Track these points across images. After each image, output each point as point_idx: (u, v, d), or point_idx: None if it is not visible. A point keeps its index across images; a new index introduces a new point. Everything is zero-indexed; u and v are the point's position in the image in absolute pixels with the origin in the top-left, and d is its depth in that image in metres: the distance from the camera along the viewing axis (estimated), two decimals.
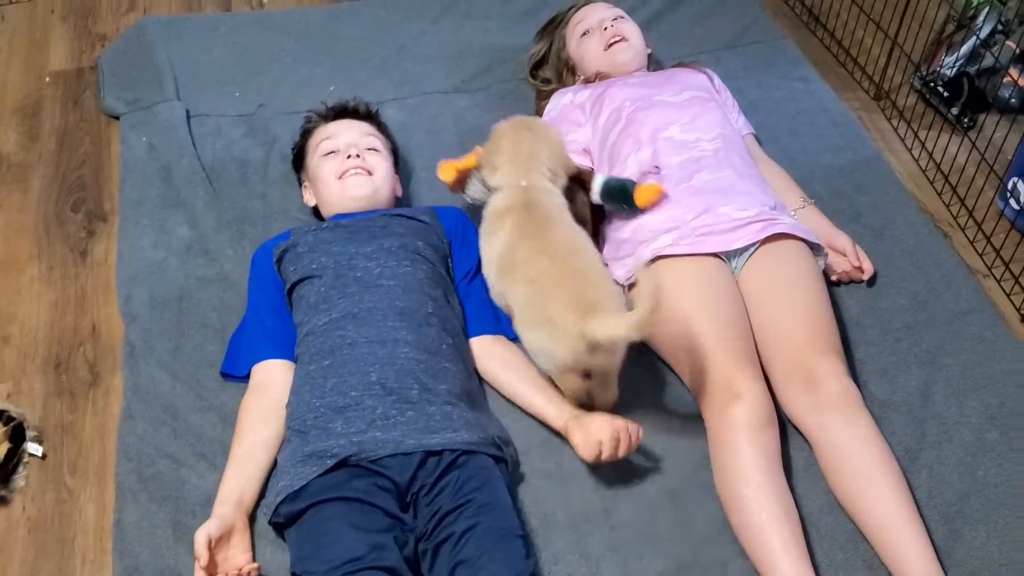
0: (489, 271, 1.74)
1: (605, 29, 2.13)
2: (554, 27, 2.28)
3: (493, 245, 1.71)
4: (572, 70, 2.21)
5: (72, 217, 2.10)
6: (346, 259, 1.72)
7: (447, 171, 1.85)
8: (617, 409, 1.68)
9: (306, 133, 2.00)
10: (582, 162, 2.02)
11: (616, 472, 1.60)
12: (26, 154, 2.26)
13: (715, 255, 1.73)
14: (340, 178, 1.86)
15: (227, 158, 2.19)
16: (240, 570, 1.44)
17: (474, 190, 1.84)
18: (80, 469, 1.66)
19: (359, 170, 1.86)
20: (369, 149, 1.91)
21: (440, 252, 1.80)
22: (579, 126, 2.06)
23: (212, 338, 1.79)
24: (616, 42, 2.10)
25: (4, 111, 2.38)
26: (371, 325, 1.62)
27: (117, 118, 2.31)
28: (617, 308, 1.53)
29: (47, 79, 2.48)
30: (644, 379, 1.74)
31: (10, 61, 2.54)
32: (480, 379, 1.73)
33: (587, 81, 2.15)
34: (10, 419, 1.65)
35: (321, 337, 1.63)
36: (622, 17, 2.18)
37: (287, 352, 1.69)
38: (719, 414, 1.55)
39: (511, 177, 1.77)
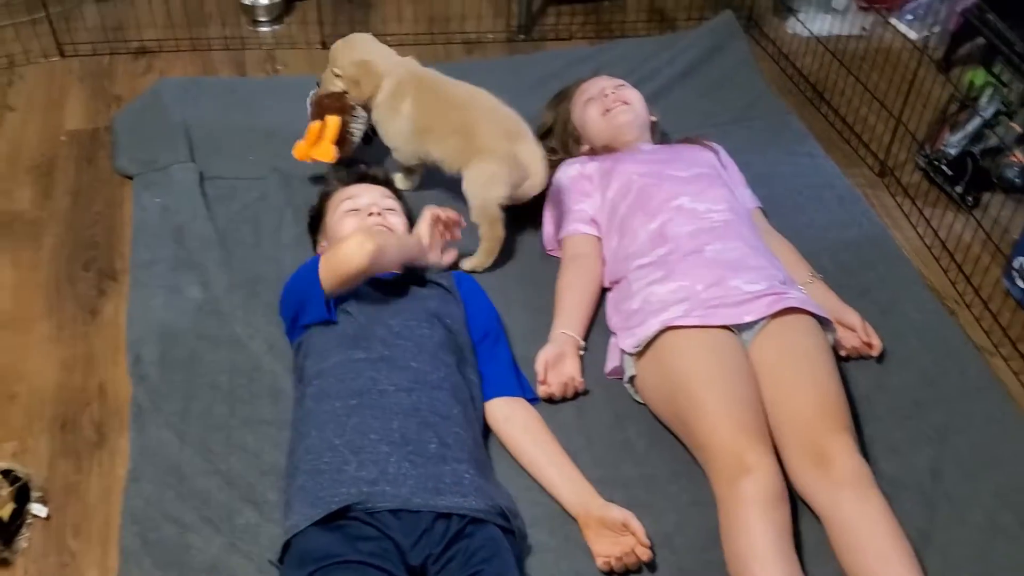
0: (406, 145, 2.16)
1: (606, 96, 2.17)
2: (561, 99, 2.33)
3: (400, 122, 2.14)
4: (577, 139, 2.25)
5: (83, 276, 2.11)
6: (369, 314, 1.73)
7: (309, 143, 2.18)
8: (626, 482, 1.68)
9: (325, 196, 2.02)
10: (590, 232, 2.04)
11: None
12: (39, 212, 2.28)
13: (725, 327, 1.73)
14: None
15: (240, 220, 2.21)
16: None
17: (358, 127, 2.22)
18: (84, 531, 1.64)
19: (380, 228, 1.89)
20: (388, 209, 1.94)
21: (457, 318, 1.81)
22: (587, 196, 2.08)
23: (221, 400, 1.79)
24: (616, 106, 2.15)
25: (20, 168, 2.40)
26: (400, 373, 1.63)
27: (131, 178, 2.34)
28: (528, 131, 2.06)
29: (63, 138, 2.51)
30: (655, 451, 1.75)
31: (27, 119, 2.57)
32: (488, 447, 1.72)
33: (593, 152, 2.19)
34: (16, 479, 1.63)
35: (352, 373, 1.63)
36: (623, 85, 2.23)
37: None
38: (729, 488, 1.54)
39: (387, 63, 2.17)
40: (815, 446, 1.58)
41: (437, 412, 1.61)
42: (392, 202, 1.99)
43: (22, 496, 1.63)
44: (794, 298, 1.77)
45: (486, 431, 1.75)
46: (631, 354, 1.78)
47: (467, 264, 2.09)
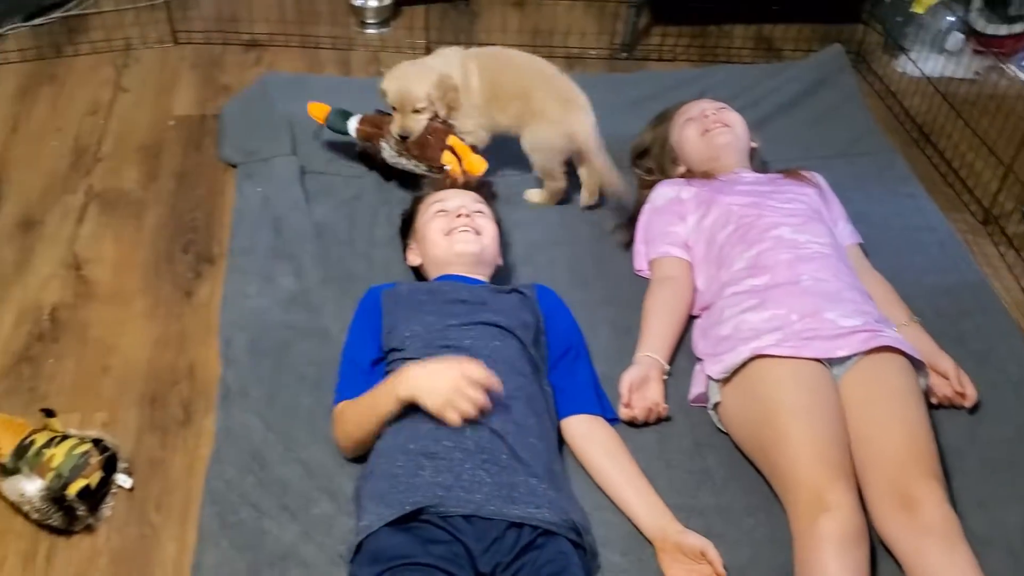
0: (480, 118, 2.23)
1: (707, 116, 2.16)
2: (661, 120, 2.31)
3: (472, 97, 2.21)
4: (674, 160, 2.23)
5: (182, 257, 2.17)
6: (439, 329, 1.73)
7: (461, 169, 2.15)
8: (702, 511, 1.66)
9: (418, 200, 2.05)
10: (682, 255, 2.02)
11: None
12: (144, 192, 2.35)
13: (817, 360, 1.70)
14: (448, 235, 1.90)
15: (337, 217, 2.24)
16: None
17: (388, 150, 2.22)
18: (165, 506, 1.68)
19: (467, 228, 1.90)
20: (477, 212, 1.96)
21: (532, 330, 1.80)
22: (682, 220, 2.07)
23: (307, 391, 1.81)
24: (715, 128, 2.13)
25: (129, 148, 2.48)
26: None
27: (234, 166, 2.39)
28: (582, 99, 2.21)
29: (171, 122, 2.58)
30: (734, 482, 1.72)
31: (139, 101, 2.65)
32: (564, 459, 1.72)
33: (690, 175, 2.17)
34: (105, 449, 1.68)
35: None
36: (725, 108, 2.21)
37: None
38: (807, 525, 1.50)
39: (448, 65, 2.21)
40: (902, 489, 1.54)
41: (512, 422, 1.61)
42: (482, 206, 2.00)
43: (109, 466, 1.68)
44: (889, 337, 1.73)
45: (561, 446, 1.74)
46: (717, 380, 1.76)
47: (533, 198, 2.29)
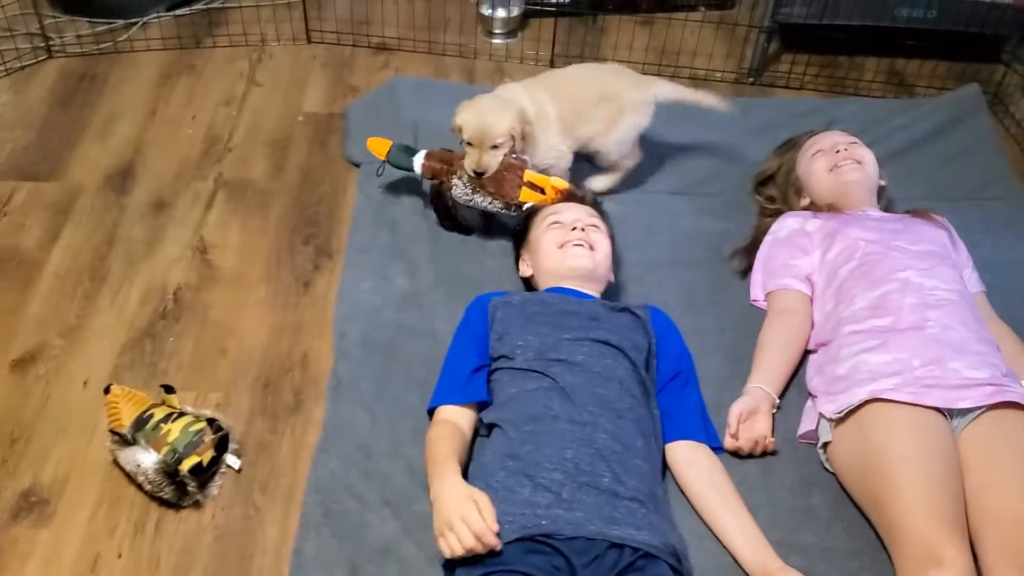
0: (562, 145, 2.19)
1: (837, 152, 2.11)
2: (788, 148, 2.28)
3: (552, 126, 2.17)
4: (798, 191, 2.19)
5: (302, 249, 2.22)
6: (552, 342, 1.74)
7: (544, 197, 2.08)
8: (804, 550, 1.62)
9: (532, 212, 2.06)
10: (803, 289, 1.98)
11: None
12: (271, 183, 2.42)
13: (937, 409, 1.65)
14: (561, 247, 1.91)
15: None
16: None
17: (459, 190, 2.12)
18: (270, 490, 1.72)
19: (581, 242, 1.90)
20: (592, 226, 1.95)
21: (643, 352, 1.79)
22: (805, 253, 2.03)
23: (414, 389, 1.83)
24: (846, 164, 2.09)
25: (258, 140, 2.56)
26: (574, 404, 1.63)
27: (357, 165, 2.44)
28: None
29: (300, 118, 2.65)
30: (838, 524, 1.68)
31: (271, 96, 2.73)
32: (665, 484, 1.70)
33: (814, 208, 2.12)
34: (219, 428, 1.73)
35: (527, 401, 1.65)
36: (857, 143, 2.16)
37: (469, 397, 1.73)
38: None
39: (521, 99, 2.14)
40: (1021, 552, 1.48)
41: (619, 441, 1.60)
42: (597, 221, 1.99)
43: (221, 446, 1.73)
44: (1017, 392, 1.66)
45: (664, 471, 1.73)
46: (830, 420, 1.72)
47: (601, 184, 2.35)
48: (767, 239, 2.09)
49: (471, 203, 2.12)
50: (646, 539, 1.49)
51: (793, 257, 2.02)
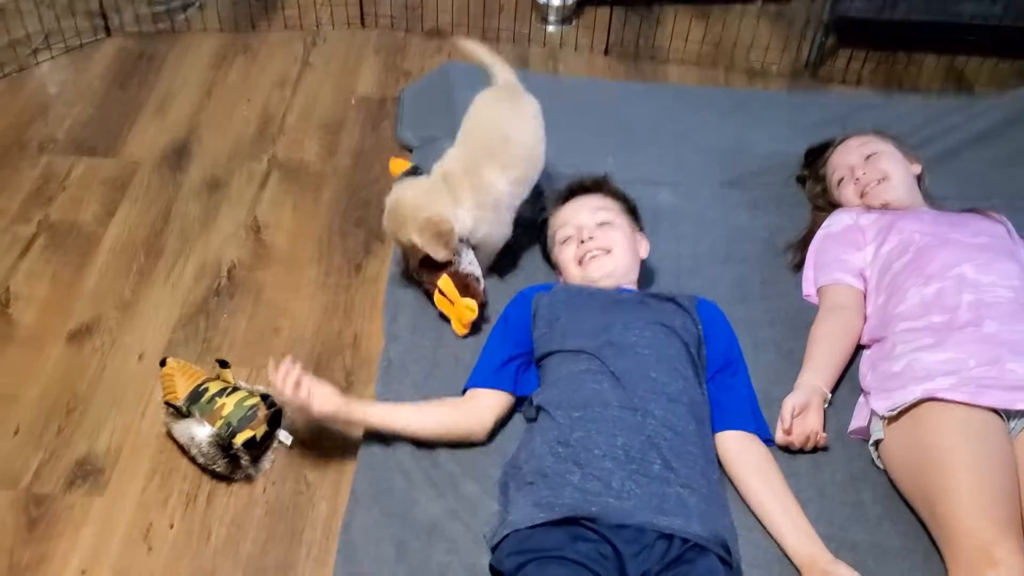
0: (516, 201, 2.00)
1: (858, 180, 2.09)
2: (815, 164, 2.27)
3: (499, 192, 1.96)
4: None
5: (354, 232, 2.24)
6: (603, 324, 1.74)
7: (454, 318, 1.93)
8: (853, 546, 1.61)
9: (544, 224, 2.04)
10: (855, 284, 1.96)
11: None
12: (323, 165, 2.44)
13: (993, 410, 1.62)
14: (580, 264, 1.89)
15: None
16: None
17: (468, 260, 1.93)
18: (320, 466, 1.74)
19: (596, 252, 1.88)
20: (601, 224, 1.92)
21: (693, 336, 1.78)
22: (858, 248, 2.01)
23: (462, 375, 1.83)
24: (872, 188, 2.06)
25: (312, 123, 2.58)
26: (625, 389, 1.62)
27: (410, 150, 2.45)
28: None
29: (353, 102, 2.66)
30: (888, 521, 1.67)
31: (324, 79, 2.75)
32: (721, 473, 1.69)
33: (868, 206, 2.10)
34: (272, 405, 1.75)
35: (575, 386, 1.65)
36: (873, 156, 2.10)
37: (498, 384, 1.76)
38: None
39: (434, 199, 1.90)
40: None
41: (671, 427, 1.59)
42: (605, 213, 1.95)
43: (274, 421, 1.75)
44: None
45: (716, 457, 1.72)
46: (882, 417, 1.70)
47: None
48: (820, 233, 2.08)
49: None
50: (696, 531, 1.49)
51: (845, 252, 2.00)
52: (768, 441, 1.75)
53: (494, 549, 1.53)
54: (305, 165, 2.43)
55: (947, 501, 1.53)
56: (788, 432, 1.74)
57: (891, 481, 1.71)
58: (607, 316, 1.76)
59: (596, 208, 1.96)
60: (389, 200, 1.89)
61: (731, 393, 1.77)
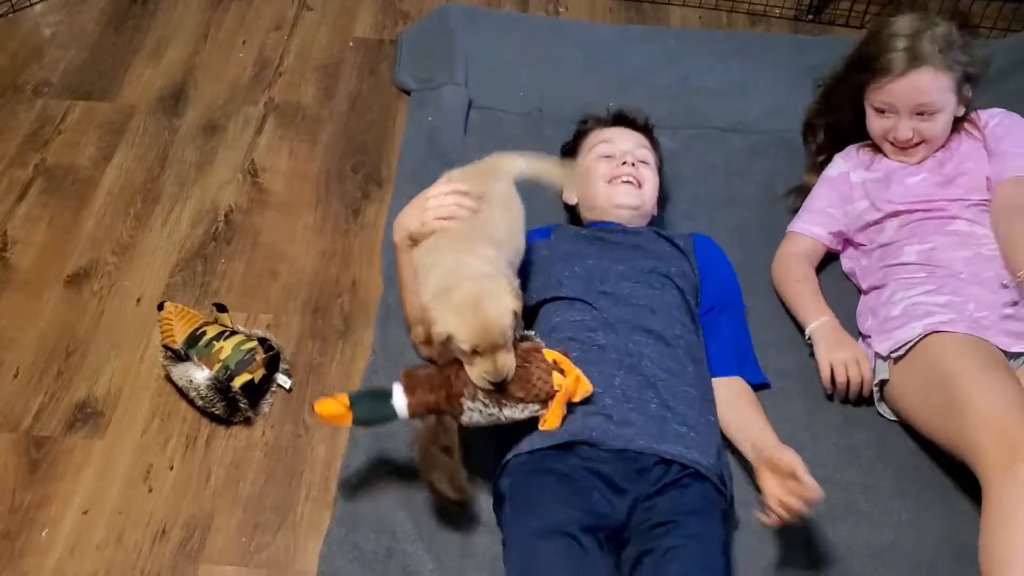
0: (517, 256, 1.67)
1: (896, 140, 1.91)
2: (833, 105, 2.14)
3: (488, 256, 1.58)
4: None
5: (351, 177, 2.23)
6: (599, 273, 1.73)
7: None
8: (846, 487, 1.63)
9: (581, 134, 2.03)
10: (825, 240, 1.97)
11: (838, 548, 1.56)
12: (320, 109, 2.42)
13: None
14: (610, 183, 1.88)
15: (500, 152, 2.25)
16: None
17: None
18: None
19: (631, 179, 1.88)
20: (642, 161, 1.92)
21: (690, 281, 1.78)
22: (845, 203, 1.96)
23: None
24: (911, 149, 1.92)
25: (308, 66, 2.55)
26: (619, 335, 1.63)
27: (407, 93, 2.43)
28: None
29: (351, 44, 2.63)
30: (881, 463, 1.70)
31: (321, 22, 2.71)
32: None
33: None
34: (270, 348, 1.76)
35: (572, 331, 1.65)
36: (925, 120, 1.87)
37: None
38: (1003, 475, 1.41)
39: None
40: None
41: (666, 369, 1.60)
42: (647, 153, 1.95)
43: (272, 365, 1.76)
44: None
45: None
46: (886, 358, 1.70)
47: None
48: (821, 176, 2.05)
49: (496, 422, 1.48)
50: (695, 457, 1.50)
51: (831, 205, 1.98)
52: (761, 386, 1.75)
53: (498, 477, 1.54)
54: (302, 109, 2.41)
55: (966, 411, 1.51)
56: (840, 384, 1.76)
57: (900, 418, 1.72)
58: (602, 263, 1.75)
59: (641, 145, 1.95)
60: (443, 299, 1.44)
61: (716, 336, 1.75)
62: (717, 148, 2.32)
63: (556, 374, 1.46)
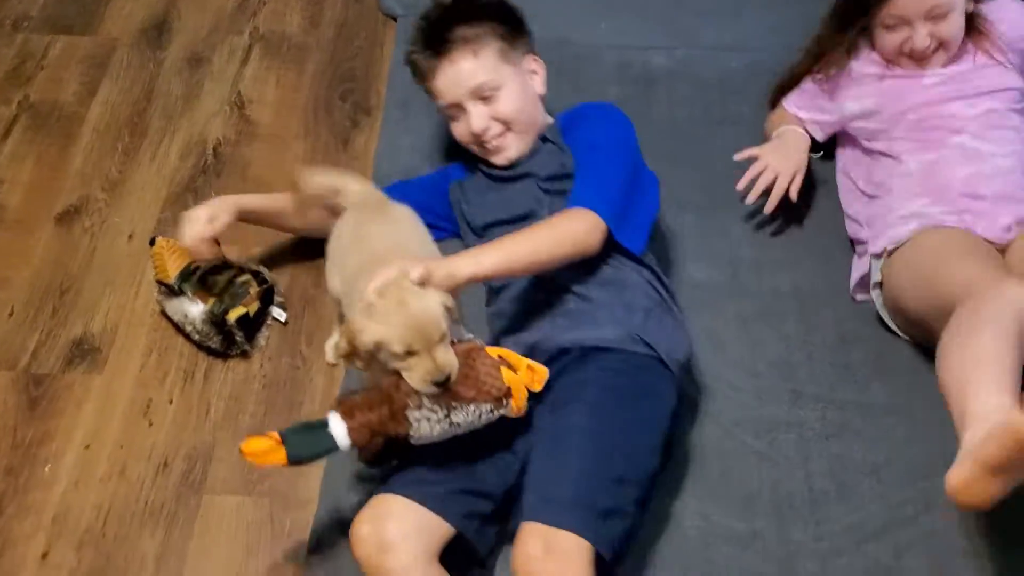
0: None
1: (919, 46, 1.81)
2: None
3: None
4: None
5: (339, 105, 2.20)
6: (499, 219, 1.67)
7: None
8: (841, 404, 1.64)
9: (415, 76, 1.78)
10: (807, 129, 1.96)
11: (833, 466, 1.58)
12: (306, 37, 2.37)
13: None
14: (478, 147, 1.74)
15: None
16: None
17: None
18: (316, 341, 1.76)
19: (493, 144, 1.71)
20: (483, 99, 1.67)
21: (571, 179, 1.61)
22: (852, 99, 1.90)
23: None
24: (927, 52, 1.83)
25: None
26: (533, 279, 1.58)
27: (394, 19, 2.39)
28: None
29: None
30: (877, 382, 1.70)
31: None
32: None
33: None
34: (263, 281, 1.75)
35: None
36: (938, 20, 1.79)
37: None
38: (981, 293, 1.38)
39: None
40: None
41: (575, 271, 1.53)
42: (484, 74, 1.66)
43: (267, 298, 1.76)
44: None
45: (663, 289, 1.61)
46: (880, 255, 1.71)
47: None
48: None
49: (452, 432, 1.34)
50: (603, 334, 1.46)
51: (817, 96, 1.95)
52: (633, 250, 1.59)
53: None
54: (288, 38, 2.37)
55: (955, 277, 1.50)
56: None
57: (882, 336, 1.73)
58: (500, 211, 1.68)
59: (471, 77, 1.65)
60: (369, 306, 1.30)
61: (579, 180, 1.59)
62: (713, 66, 2.28)
63: (505, 369, 1.34)
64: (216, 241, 1.77)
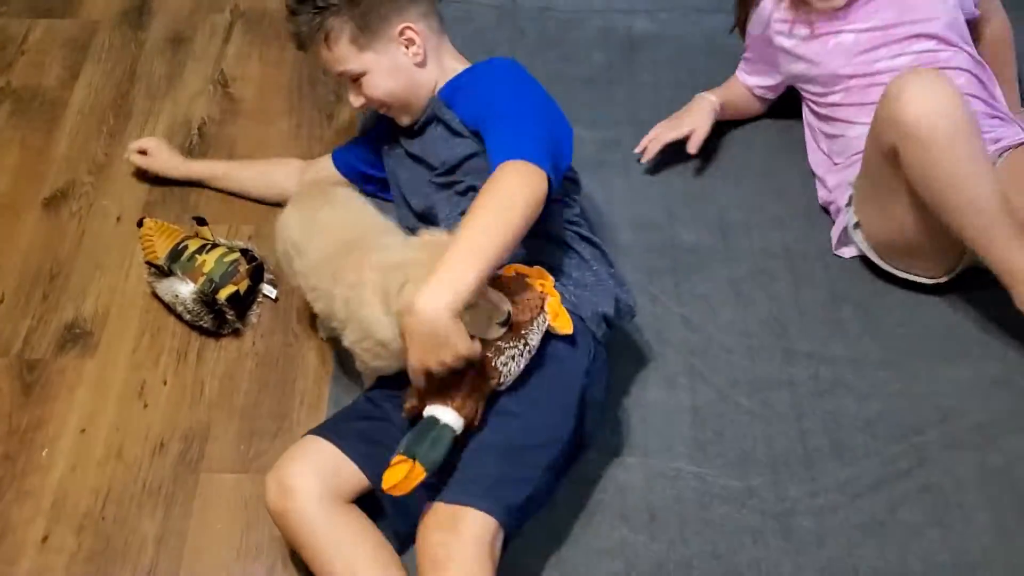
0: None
1: None
2: None
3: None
4: None
5: (323, 80, 2.18)
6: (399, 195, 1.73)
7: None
8: (833, 360, 1.64)
9: None
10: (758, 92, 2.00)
11: (826, 422, 1.59)
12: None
13: None
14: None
15: (475, 45, 2.19)
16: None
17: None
18: (306, 317, 1.76)
19: (385, 114, 1.68)
20: (353, 81, 1.63)
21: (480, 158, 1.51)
22: (784, 63, 1.90)
23: None
24: None
25: None
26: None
27: None
28: None
29: None
30: (868, 337, 1.70)
31: None
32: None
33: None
34: (253, 259, 1.75)
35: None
36: None
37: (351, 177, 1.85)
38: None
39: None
40: None
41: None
42: (345, 63, 1.62)
43: (257, 276, 1.75)
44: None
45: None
46: (849, 204, 1.72)
47: None
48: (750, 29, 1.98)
49: (532, 353, 1.37)
50: None
51: (758, 62, 1.99)
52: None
53: None
54: (268, 13, 2.36)
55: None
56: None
57: (873, 290, 1.74)
58: (399, 189, 1.70)
59: (331, 63, 1.63)
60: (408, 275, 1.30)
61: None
62: (697, 29, 2.28)
63: (526, 280, 1.38)
64: (204, 220, 1.77)
